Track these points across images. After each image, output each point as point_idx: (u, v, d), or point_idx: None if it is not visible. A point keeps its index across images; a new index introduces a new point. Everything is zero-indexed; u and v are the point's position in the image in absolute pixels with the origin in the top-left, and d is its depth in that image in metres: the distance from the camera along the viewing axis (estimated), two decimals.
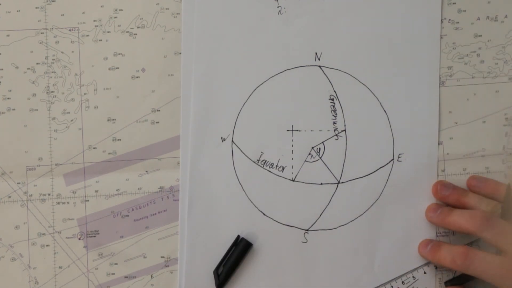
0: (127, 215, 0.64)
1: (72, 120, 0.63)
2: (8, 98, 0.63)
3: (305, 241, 0.63)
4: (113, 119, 0.63)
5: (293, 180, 0.63)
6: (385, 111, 0.63)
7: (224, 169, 0.63)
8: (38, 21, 0.63)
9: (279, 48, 0.63)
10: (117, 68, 0.63)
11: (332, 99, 0.63)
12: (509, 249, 0.55)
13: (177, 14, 0.63)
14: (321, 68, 0.63)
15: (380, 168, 0.63)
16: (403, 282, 0.63)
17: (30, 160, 0.63)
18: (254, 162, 0.63)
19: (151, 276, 0.64)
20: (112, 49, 0.63)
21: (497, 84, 0.64)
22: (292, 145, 0.63)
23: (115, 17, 0.63)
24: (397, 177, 0.63)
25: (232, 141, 0.63)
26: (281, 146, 0.63)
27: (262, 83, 0.63)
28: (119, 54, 0.63)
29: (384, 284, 0.63)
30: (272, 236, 0.63)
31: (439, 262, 0.60)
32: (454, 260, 0.58)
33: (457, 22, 0.64)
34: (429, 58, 0.63)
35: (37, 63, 0.63)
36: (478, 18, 0.64)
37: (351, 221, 0.63)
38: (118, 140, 0.63)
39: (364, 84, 0.63)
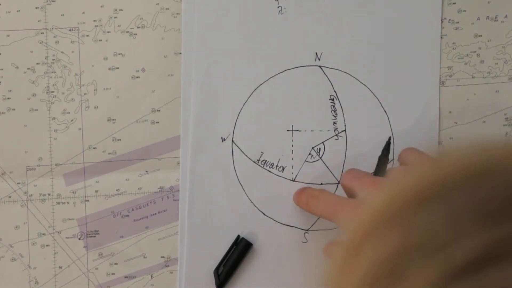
0: (127, 215, 0.63)
1: (72, 120, 0.63)
2: (8, 98, 0.63)
3: (305, 241, 0.63)
4: (113, 119, 0.63)
5: (293, 180, 0.63)
6: (385, 111, 0.63)
7: (224, 169, 0.63)
8: (38, 21, 0.63)
9: (279, 48, 0.63)
10: (117, 68, 0.63)
11: (332, 99, 0.63)
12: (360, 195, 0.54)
13: (177, 14, 0.63)
14: (321, 68, 0.63)
15: None
16: None
17: (30, 160, 0.63)
18: (254, 162, 0.63)
19: (151, 276, 0.64)
20: (112, 49, 0.63)
21: (497, 84, 0.64)
22: (292, 145, 0.63)
23: (115, 17, 0.63)
24: None
25: (232, 141, 0.63)
26: (281, 146, 0.63)
27: (262, 83, 0.63)
28: (119, 54, 0.63)
29: None
30: (272, 236, 0.63)
31: (299, 205, 0.61)
32: (307, 200, 0.60)
33: (457, 22, 0.63)
34: (429, 58, 0.63)
35: (37, 63, 0.63)
36: (478, 18, 0.64)
37: None
38: (118, 140, 0.63)
39: (364, 84, 0.63)
